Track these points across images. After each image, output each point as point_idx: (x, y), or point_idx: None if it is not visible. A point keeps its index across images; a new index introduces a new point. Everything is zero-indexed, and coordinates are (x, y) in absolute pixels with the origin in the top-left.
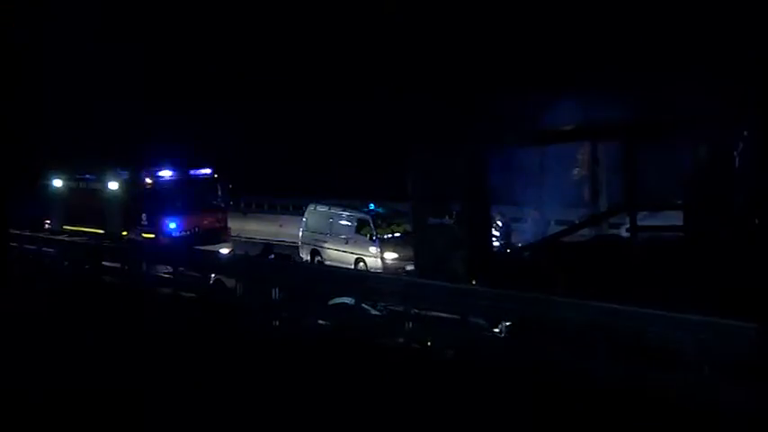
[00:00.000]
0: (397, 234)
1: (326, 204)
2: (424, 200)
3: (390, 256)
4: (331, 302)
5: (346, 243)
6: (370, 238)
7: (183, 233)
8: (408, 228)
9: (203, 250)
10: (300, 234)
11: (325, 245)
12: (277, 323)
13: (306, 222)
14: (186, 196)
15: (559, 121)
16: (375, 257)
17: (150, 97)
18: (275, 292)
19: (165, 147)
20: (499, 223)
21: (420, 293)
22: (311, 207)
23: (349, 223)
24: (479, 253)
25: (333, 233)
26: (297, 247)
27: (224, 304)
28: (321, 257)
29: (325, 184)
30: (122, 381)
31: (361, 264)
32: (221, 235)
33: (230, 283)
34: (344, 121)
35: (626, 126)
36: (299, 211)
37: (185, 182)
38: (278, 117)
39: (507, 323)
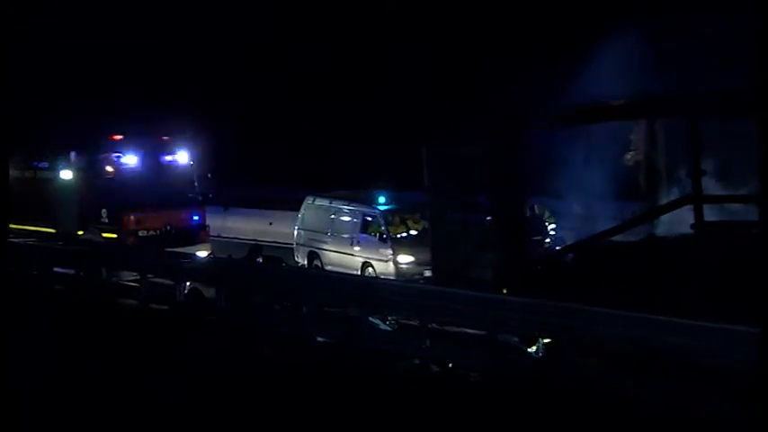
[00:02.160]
0: (412, 232)
1: (327, 197)
2: (443, 191)
3: (405, 259)
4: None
5: (351, 244)
6: (381, 238)
7: (152, 232)
8: (426, 225)
9: (177, 253)
10: (295, 233)
11: (326, 246)
12: (265, 341)
13: (302, 219)
14: (156, 187)
15: (606, 95)
16: (386, 261)
17: (149, 91)
18: (263, 303)
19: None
20: (548, 224)
21: (440, 304)
22: (309, 200)
23: (355, 220)
24: (512, 255)
25: (335, 232)
26: (291, 249)
27: (201, 319)
28: (320, 261)
29: (327, 174)
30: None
31: (370, 269)
32: (198, 234)
33: (209, 292)
34: (350, 105)
35: (690, 99)
36: (293, 206)
37: (155, 169)
38: (274, 107)
39: (545, 341)
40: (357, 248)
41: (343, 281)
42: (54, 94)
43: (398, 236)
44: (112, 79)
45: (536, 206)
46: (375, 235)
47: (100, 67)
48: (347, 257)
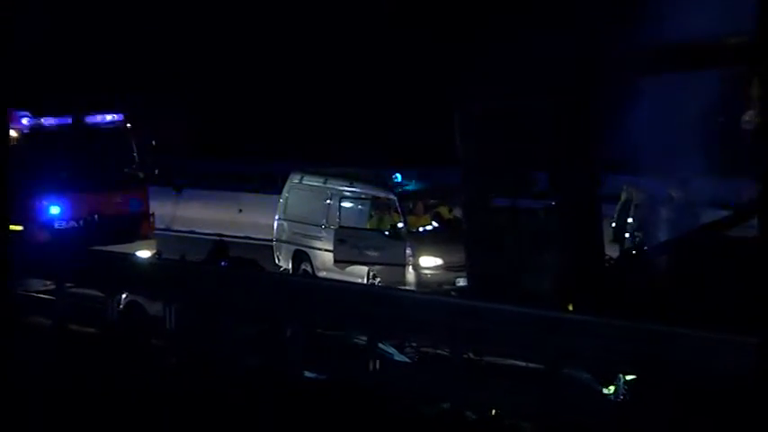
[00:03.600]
0: (439, 225)
1: (321, 175)
2: (483, 168)
3: (430, 262)
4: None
5: (354, 240)
6: (396, 233)
7: (73, 224)
8: (460, 215)
9: (108, 252)
10: (275, 225)
11: (319, 243)
12: (231, 379)
13: (284, 205)
14: (78, 159)
15: (714, 31)
16: (404, 265)
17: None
18: (230, 324)
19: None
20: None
21: (478, 326)
22: (294, 179)
23: (360, 207)
24: (582, 257)
25: (331, 223)
26: (269, 248)
27: (143, 346)
28: (310, 265)
29: (322, 147)
30: None
31: (378, 278)
32: (139, 227)
33: (154, 308)
34: (352, 54)
35: None
36: (273, 187)
37: (78, 135)
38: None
39: (628, 378)
40: (362, 247)
41: (343, 293)
42: None
43: (421, 230)
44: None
45: (626, 187)
46: (387, 227)
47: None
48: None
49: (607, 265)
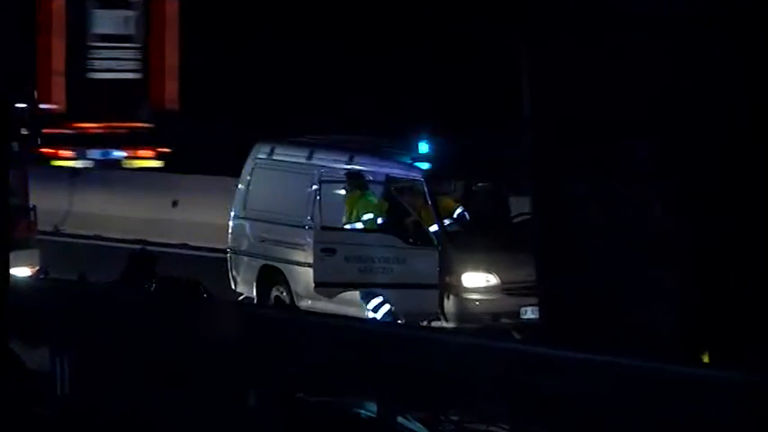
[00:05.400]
0: (484, 221)
1: (303, 147)
2: (564, 139)
3: (478, 280)
4: None
5: (350, 250)
6: (421, 234)
7: None
8: (526, 209)
9: None
10: (232, 226)
11: (300, 255)
12: None
13: (245, 194)
14: None
15: None
16: (435, 286)
17: None
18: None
19: None
20: None
21: (556, 384)
22: (261, 153)
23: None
24: (722, 275)
25: (321, 221)
26: (221, 261)
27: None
28: (286, 288)
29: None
30: None
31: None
32: (10, 228)
33: (36, 358)
34: None
35: None
36: (227, 165)
37: None
38: None
39: None
40: (369, 258)
41: (339, 334)
42: None
43: (457, 229)
44: None
45: None
46: (410, 228)
47: None
48: None
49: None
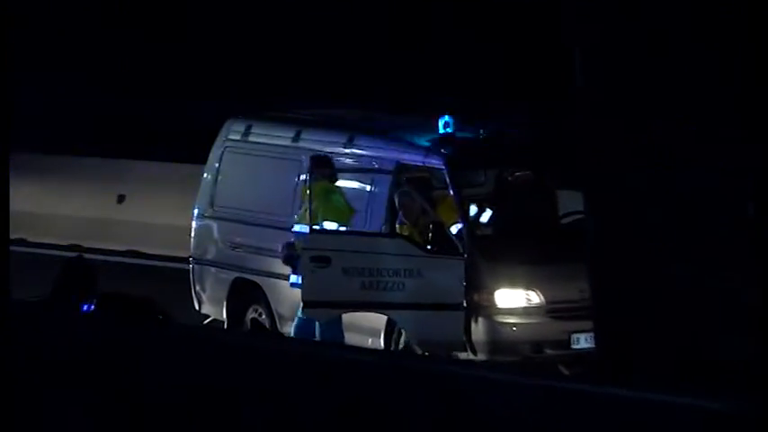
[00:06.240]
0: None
1: (288, 123)
2: (623, 110)
3: (513, 298)
4: None
5: (348, 259)
6: (442, 238)
7: None
8: (580, 208)
9: None
10: (195, 227)
11: (281, 266)
12: None
13: (213, 186)
14: None
15: None
16: (461, 307)
17: None
18: None
19: None
20: None
21: None
22: (232, 133)
23: (371, 187)
24: None
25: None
26: (181, 273)
27: None
28: (266, 309)
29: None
30: None
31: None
32: None
33: None
34: None
35: None
36: (189, 149)
37: None
38: None
39: None
40: (372, 271)
41: (340, 370)
42: None
43: (488, 232)
44: None
45: None
46: (428, 231)
47: None
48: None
49: None
